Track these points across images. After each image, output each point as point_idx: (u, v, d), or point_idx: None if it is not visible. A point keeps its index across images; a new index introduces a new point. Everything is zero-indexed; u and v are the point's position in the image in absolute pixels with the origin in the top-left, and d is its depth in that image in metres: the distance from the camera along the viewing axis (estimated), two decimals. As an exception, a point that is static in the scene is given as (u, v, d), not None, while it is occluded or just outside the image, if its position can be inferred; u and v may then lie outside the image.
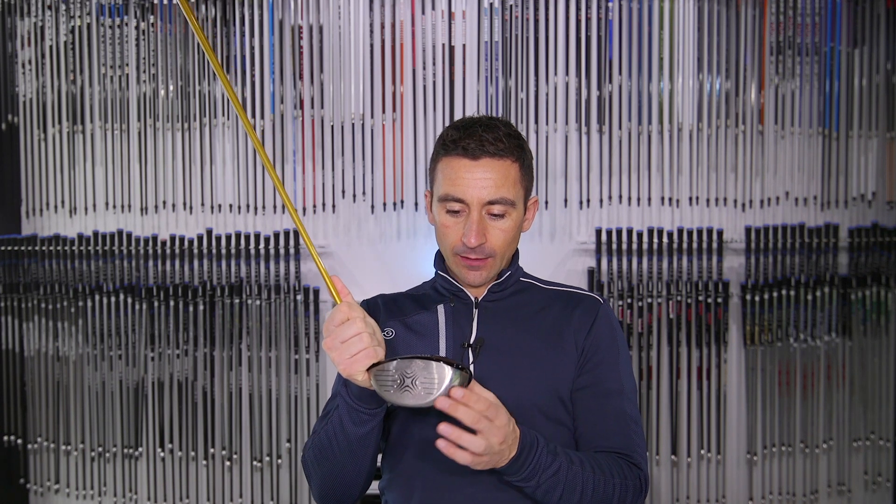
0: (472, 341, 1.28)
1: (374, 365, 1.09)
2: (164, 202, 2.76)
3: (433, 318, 1.32)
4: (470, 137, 1.23)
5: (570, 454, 1.19)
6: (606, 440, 1.25)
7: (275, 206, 2.74)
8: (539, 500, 1.16)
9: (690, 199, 2.73)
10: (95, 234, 2.74)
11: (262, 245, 2.71)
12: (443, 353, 1.28)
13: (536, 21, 2.67)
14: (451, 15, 2.67)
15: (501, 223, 1.25)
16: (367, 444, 1.20)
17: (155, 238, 2.73)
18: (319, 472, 1.25)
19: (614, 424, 1.26)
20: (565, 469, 1.15)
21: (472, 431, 1.05)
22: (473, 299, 1.32)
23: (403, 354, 1.13)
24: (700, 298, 2.70)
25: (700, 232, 2.70)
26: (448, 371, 1.05)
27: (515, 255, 1.37)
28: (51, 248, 2.75)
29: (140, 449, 2.78)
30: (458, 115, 2.69)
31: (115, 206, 2.77)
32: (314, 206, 2.73)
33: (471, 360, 1.26)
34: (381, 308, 1.37)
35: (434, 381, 1.05)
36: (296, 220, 1.20)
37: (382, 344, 1.12)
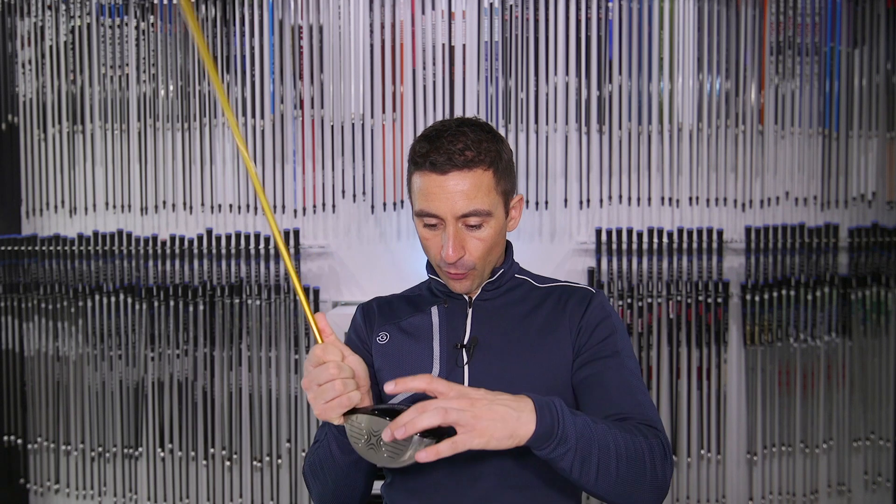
0: (465, 342, 1.28)
1: (350, 411, 1.06)
2: (164, 202, 2.76)
3: (427, 321, 1.32)
4: (437, 151, 1.19)
5: (592, 417, 1.09)
6: (615, 407, 1.17)
7: (275, 206, 2.74)
8: (575, 478, 1.04)
9: (690, 199, 2.73)
10: (95, 234, 2.74)
11: (262, 245, 2.71)
12: (437, 354, 1.27)
13: (536, 21, 2.67)
14: (451, 15, 2.67)
15: (479, 233, 1.22)
16: (359, 468, 1.21)
17: (155, 238, 2.73)
18: (316, 489, 1.27)
19: (620, 393, 1.19)
20: (591, 426, 1.04)
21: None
22: (467, 298, 1.32)
23: (381, 405, 1.09)
24: (700, 298, 2.70)
25: (700, 232, 2.70)
26: (414, 439, 0.98)
27: (509, 250, 1.36)
28: (51, 248, 2.75)
29: (140, 449, 2.78)
30: (457, 115, 2.67)
31: (115, 206, 2.77)
32: (314, 206, 2.73)
33: (465, 360, 1.26)
34: (375, 312, 1.37)
35: (401, 448, 1.00)
36: (285, 257, 1.14)
37: (364, 386, 1.10)
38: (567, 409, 1.05)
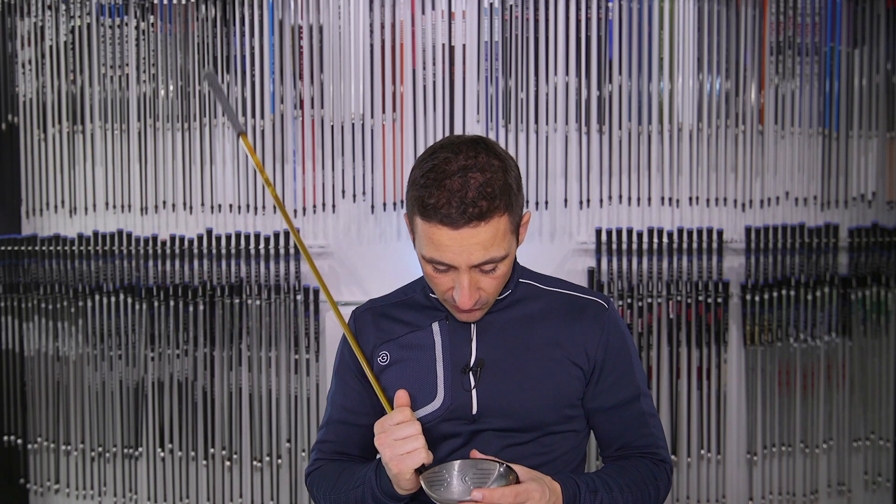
0: (472, 364, 1.24)
1: (421, 469, 1.13)
2: (164, 202, 2.76)
3: (428, 338, 1.28)
4: (448, 204, 1.08)
5: (608, 480, 1.21)
6: (631, 443, 1.29)
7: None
8: None
9: (690, 199, 2.72)
10: (95, 234, 2.74)
11: (262, 245, 2.71)
12: (441, 378, 1.25)
13: (536, 21, 2.67)
14: (451, 15, 2.67)
15: (494, 273, 1.16)
16: None
17: (155, 238, 2.73)
18: None
19: (636, 428, 1.29)
20: (607, 502, 1.19)
21: None
22: None
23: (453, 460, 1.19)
24: (700, 298, 2.70)
25: (700, 232, 2.70)
26: (496, 466, 1.10)
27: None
28: (51, 248, 2.74)
29: (140, 449, 2.78)
30: (457, 115, 2.68)
31: (115, 206, 2.77)
32: (314, 206, 2.73)
33: (472, 384, 1.23)
34: (370, 327, 1.33)
35: (484, 476, 1.10)
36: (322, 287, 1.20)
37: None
38: (589, 496, 1.17)
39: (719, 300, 2.70)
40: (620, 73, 2.69)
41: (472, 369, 1.24)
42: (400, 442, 1.11)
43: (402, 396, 1.17)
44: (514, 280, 1.30)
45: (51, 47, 2.73)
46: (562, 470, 1.26)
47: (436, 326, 1.28)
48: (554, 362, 1.25)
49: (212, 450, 2.76)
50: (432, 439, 1.23)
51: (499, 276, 1.17)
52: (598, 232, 2.70)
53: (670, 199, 2.73)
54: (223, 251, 2.72)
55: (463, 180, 1.09)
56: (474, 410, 1.23)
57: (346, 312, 2.63)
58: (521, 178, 1.20)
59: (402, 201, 2.71)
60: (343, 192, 2.73)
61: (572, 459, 1.29)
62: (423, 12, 2.68)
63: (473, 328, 1.26)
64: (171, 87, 2.72)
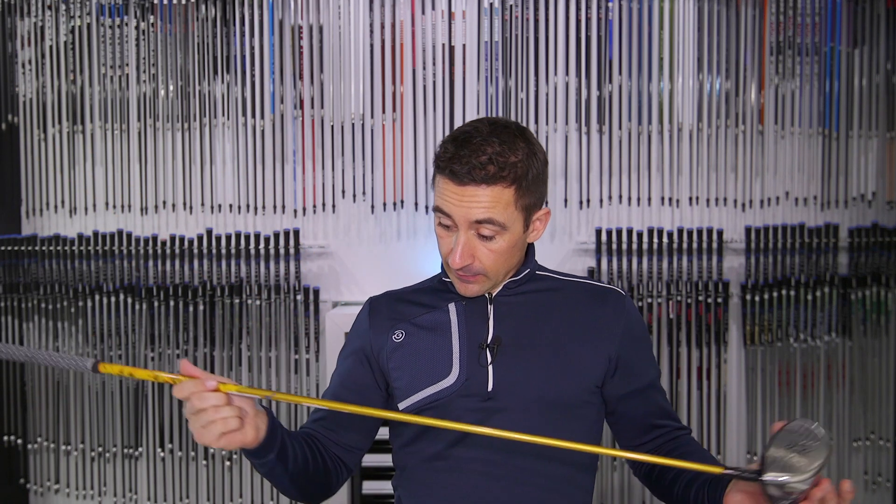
0: (489, 341, 1.24)
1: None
2: (164, 202, 2.76)
3: (444, 317, 1.28)
4: (459, 160, 1.14)
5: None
6: (667, 423, 1.40)
7: (275, 206, 2.74)
8: None
9: (690, 199, 2.73)
10: (95, 234, 2.74)
11: (262, 245, 2.71)
12: (456, 353, 1.25)
13: (536, 21, 2.67)
14: (451, 15, 2.67)
15: (491, 244, 1.18)
16: (276, 475, 1.18)
17: (155, 238, 2.73)
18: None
19: (665, 405, 1.38)
20: None
21: None
22: (488, 295, 1.28)
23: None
24: (700, 298, 2.70)
25: (700, 232, 2.70)
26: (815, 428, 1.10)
27: (531, 250, 1.32)
28: (51, 248, 2.75)
29: (140, 449, 2.78)
30: (457, 115, 2.68)
31: (115, 206, 2.77)
32: (314, 206, 2.73)
33: (489, 360, 1.23)
34: (384, 310, 1.33)
35: (816, 443, 1.12)
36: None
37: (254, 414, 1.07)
38: None
39: (719, 300, 2.70)
40: (620, 73, 2.69)
41: (488, 346, 1.24)
42: (195, 418, 1.02)
43: (185, 365, 1.05)
44: (531, 269, 1.30)
45: (51, 47, 2.73)
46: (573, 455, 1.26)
47: (452, 306, 1.29)
48: (574, 341, 1.25)
49: (212, 450, 2.76)
50: (446, 417, 1.22)
51: (496, 250, 1.19)
52: (598, 232, 2.70)
53: (670, 199, 2.73)
54: (223, 251, 2.72)
55: (480, 146, 1.15)
56: (490, 387, 1.22)
57: (346, 312, 2.63)
58: (545, 171, 1.22)
59: (402, 201, 2.71)
60: (343, 192, 2.73)
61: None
62: (423, 12, 2.68)
63: (491, 308, 1.27)
64: (171, 87, 2.72)
